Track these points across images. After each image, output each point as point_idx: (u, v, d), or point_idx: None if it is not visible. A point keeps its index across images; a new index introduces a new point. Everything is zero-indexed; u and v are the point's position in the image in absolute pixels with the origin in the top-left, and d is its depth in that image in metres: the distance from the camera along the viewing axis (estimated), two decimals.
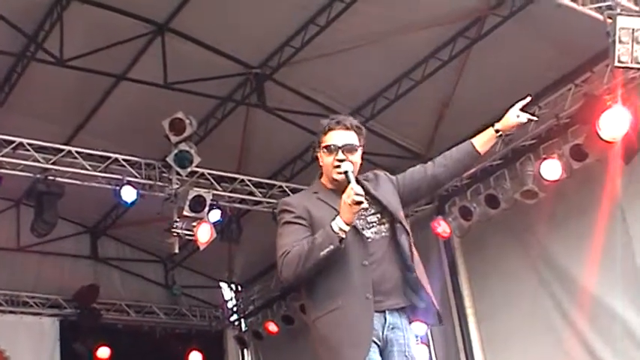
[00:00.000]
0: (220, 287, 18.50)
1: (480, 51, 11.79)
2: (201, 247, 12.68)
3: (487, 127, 5.35)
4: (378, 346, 4.87)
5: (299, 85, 12.87)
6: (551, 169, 11.58)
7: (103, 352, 16.23)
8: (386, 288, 4.90)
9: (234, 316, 18.24)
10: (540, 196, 12.04)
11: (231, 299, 18.41)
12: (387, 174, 5.31)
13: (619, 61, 9.83)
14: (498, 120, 5.31)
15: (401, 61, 12.34)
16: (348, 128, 5.04)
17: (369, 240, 4.92)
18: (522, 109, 5.25)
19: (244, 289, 18.06)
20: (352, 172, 4.90)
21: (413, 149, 13.63)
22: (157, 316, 17.52)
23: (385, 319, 4.89)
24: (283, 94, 12.92)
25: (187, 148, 12.09)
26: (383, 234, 5.01)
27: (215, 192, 12.78)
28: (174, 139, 11.98)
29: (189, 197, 12.17)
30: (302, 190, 5.47)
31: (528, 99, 5.33)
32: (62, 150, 12.14)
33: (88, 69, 11.95)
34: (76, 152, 12.21)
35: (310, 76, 12.67)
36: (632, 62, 9.84)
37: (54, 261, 16.71)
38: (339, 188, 4.89)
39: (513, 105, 5.27)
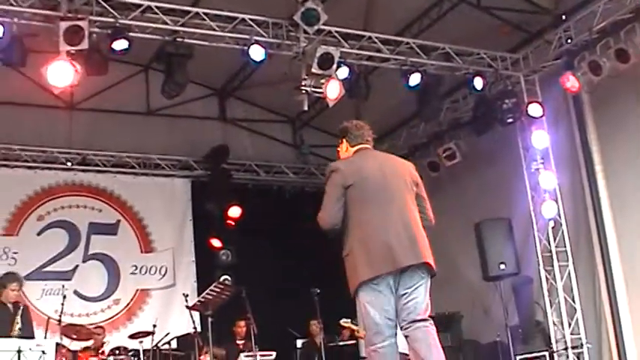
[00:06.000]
0: None
1: None
2: (330, 104, 12.62)
3: None
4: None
5: None
6: None
7: (234, 211, 16.60)
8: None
9: None
10: None
11: None
12: None
13: None
14: None
15: None
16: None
17: None
18: None
19: None
20: None
21: (542, 4, 13.31)
22: (286, 175, 17.81)
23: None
24: None
25: (314, 6, 11.90)
26: None
27: (343, 49, 12.63)
28: None
29: (317, 55, 12.07)
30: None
31: None
32: (190, 12, 12.10)
33: None
34: (204, 13, 12.16)
35: None
36: None
37: (183, 123, 17.06)
38: None
39: None
